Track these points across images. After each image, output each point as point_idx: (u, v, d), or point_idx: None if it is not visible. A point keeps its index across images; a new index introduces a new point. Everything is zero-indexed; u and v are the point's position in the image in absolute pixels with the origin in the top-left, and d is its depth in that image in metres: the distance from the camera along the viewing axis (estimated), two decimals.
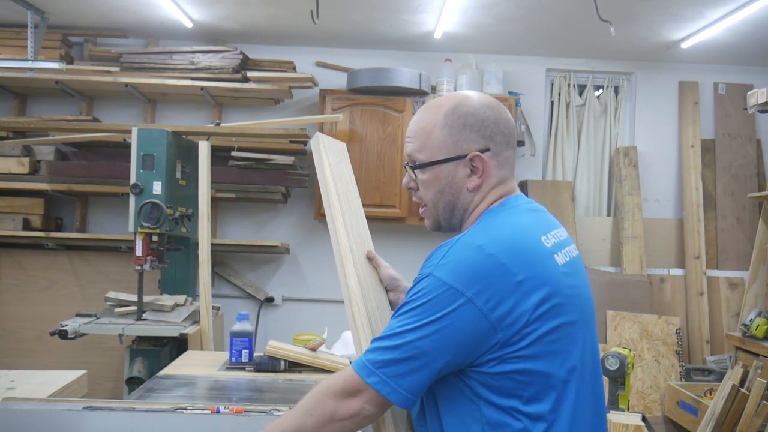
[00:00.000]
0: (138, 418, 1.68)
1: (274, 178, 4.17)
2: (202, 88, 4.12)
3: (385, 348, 1.16)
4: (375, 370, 1.15)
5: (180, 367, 2.43)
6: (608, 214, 4.74)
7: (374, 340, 1.20)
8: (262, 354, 2.37)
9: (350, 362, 1.26)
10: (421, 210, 1.37)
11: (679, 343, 4.26)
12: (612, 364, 2.97)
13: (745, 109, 3.67)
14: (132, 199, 3.28)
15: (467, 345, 1.14)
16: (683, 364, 4.24)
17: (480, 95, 1.34)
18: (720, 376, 3.89)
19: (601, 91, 4.78)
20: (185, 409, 1.73)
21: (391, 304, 1.56)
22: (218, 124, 4.03)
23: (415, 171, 1.32)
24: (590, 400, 1.23)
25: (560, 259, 1.23)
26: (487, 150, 1.28)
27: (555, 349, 1.17)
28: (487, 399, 1.17)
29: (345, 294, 1.40)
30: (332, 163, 1.56)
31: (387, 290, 1.58)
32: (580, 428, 1.19)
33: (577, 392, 1.19)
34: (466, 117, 1.28)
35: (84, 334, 3.09)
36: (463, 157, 1.28)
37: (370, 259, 1.57)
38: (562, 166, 4.67)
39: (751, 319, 3.75)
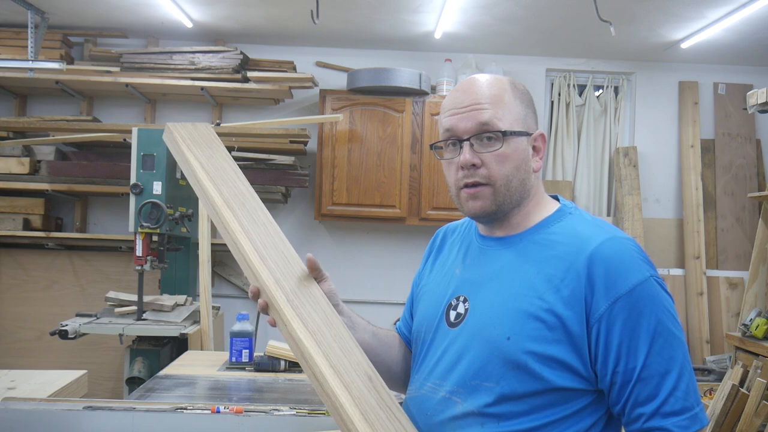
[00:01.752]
0: (138, 418, 1.68)
1: (274, 178, 4.17)
2: (202, 88, 4.12)
3: (680, 382, 1.04)
4: (698, 411, 1.04)
5: (180, 367, 2.43)
6: (608, 214, 4.74)
7: (666, 399, 1.03)
8: (262, 354, 2.37)
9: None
10: (475, 190, 1.14)
11: None
12: None
13: (745, 109, 3.67)
14: (132, 199, 3.28)
15: None
16: None
17: None
18: (720, 376, 3.89)
19: (601, 91, 4.78)
20: (185, 409, 1.73)
21: None
22: (218, 124, 4.02)
23: (501, 139, 1.12)
24: None
25: None
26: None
27: None
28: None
29: (293, 348, 1.09)
30: (202, 159, 1.21)
31: None
32: None
33: None
34: (525, 94, 1.20)
35: (84, 334, 3.09)
36: (530, 135, 1.17)
37: (313, 268, 1.23)
38: (562, 166, 4.67)
39: (751, 319, 3.74)
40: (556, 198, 1.27)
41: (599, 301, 1.05)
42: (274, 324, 1.16)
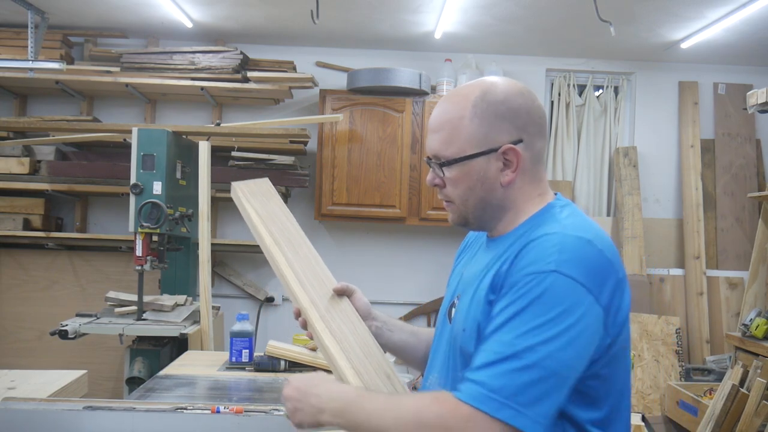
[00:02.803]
0: (138, 418, 1.68)
1: (274, 178, 4.10)
2: (202, 88, 4.12)
3: (517, 370, 0.96)
4: (505, 401, 0.95)
5: (180, 367, 2.43)
6: (608, 214, 4.74)
7: (489, 364, 0.99)
8: (262, 354, 2.37)
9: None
10: (446, 205, 1.25)
11: (679, 343, 4.26)
12: None
13: (745, 109, 3.67)
14: (132, 199, 3.28)
15: (593, 350, 1.03)
16: (683, 364, 4.24)
17: (508, 81, 1.20)
18: (720, 376, 3.90)
19: (601, 91, 4.78)
20: (185, 409, 1.73)
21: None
22: (218, 124, 4.03)
23: (442, 168, 1.18)
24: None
25: None
26: (520, 141, 1.16)
27: (626, 354, 1.12)
28: (571, 416, 1.05)
29: (324, 355, 1.30)
30: (258, 208, 1.46)
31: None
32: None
33: (628, 396, 1.15)
34: (497, 106, 1.15)
35: (84, 334, 3.09)
36: (496, 150, 1.15)
37: (340, 291, 1.39)
38: (562, 166, 4.67)
39: (751, 319, 3.75)
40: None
41: (505, 284, 1.07)
42: (311, 337, 1.35)
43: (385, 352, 1.35)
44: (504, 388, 0.96)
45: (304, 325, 1.36)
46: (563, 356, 0.98)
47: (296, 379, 1.18)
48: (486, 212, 1.21)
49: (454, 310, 1.24)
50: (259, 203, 1.48)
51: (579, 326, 0.99)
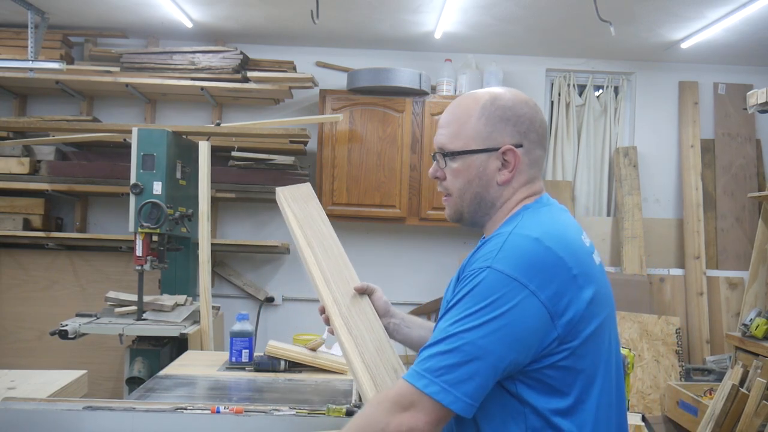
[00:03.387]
0: (138, 418, 1.68)
1: (274, 178, 4.17)
2: (202, 88, 4.12)
3: (443, 353, 1.08)
4: (433, 379, 1.07)
5: (180, 367, 2.43)
6: (608, 214, 4.74)
7: (425, 348, 1.11)
8: (262, 354, 2.37)
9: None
10: (444, 199, 1.35)
11: (679, 343, 4.26)
12: None
13: (745, 109, 3.67)
14: (132, 199, 3.28)
15: (530, 341, 1.09)
16: (683, 363, 4.24)
17: (517, 92, 1.31)
18: (720, 376, 3.90)
19: (601, 91, 4.78)
20: (185, 409, 1.73)
21: (387, 330, 1.50)
22: (218, 124, 4.03)
23: (446, 159, 1.29)
24: (615, 396, 1.22)
25: (596, 259, 1.25)
26: (520, 146, 1.26)
27: (596, 346, 1.16)
28: (533, 405, 1.13)
29: (341, 348, 1.41)
30: (297, 211, 1.59)
31: (380, 316, 1.51)
32: (606, 426, 1.18)
33: (601, 389, 1.17)
34: (504, 110, 1.26)
35: (84, 334, 3.09)
36: (496, 149, 1.25)
37: (361, 290, 1.50)
38: (562, 166, 4.67)
39: (751, 319, 3.75)
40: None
41: (460, 278, 1.19)
42: (332, 332, 1.46)
43: (404, 347, 1.54)
44: (432, 368, 1.08)
45: (327, 321, 1.47)
46: (485, 343, 1.07)
47: None
48: (480, 208, 1.29)
49: None
50: (298, 206, 1.61)
51: (507, 317, 1.08)
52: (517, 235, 1.15)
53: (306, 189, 1.70)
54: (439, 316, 1.18)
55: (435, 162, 1.32)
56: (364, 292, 1.50)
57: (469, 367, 1.06)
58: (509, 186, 1.27)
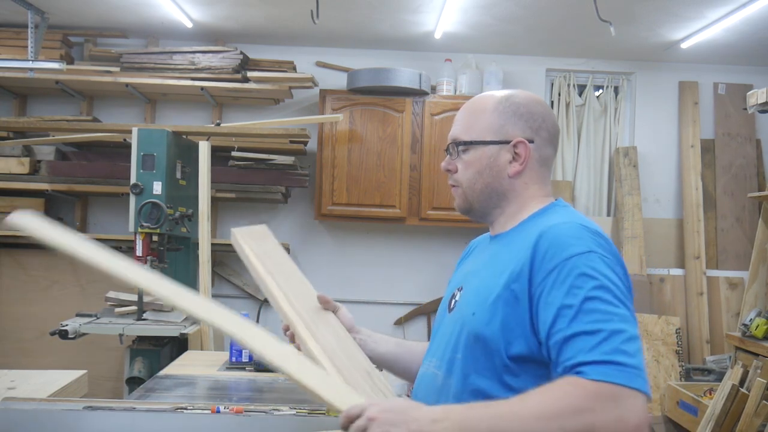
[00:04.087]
0: (138, 418, 1.68)
1: (274, 178, 4.17)
2: (202, 88, 4.12)
3: (625, 341, 1.02)
4: (634, 371, 1.00)
5: (180, 367, 2.43)
6: (608, 214, 4.74)
7: (600, 343, 1.02)
8: None
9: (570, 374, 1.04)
10: (453, 190, 1.36)
11: (679, 343, 4.26)
12: None
13: (745, 109, 3.67)
14: (132, 199, 3.28)
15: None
16: (683, 364, 4.24)
17: (532, 94, 1.36)
18: (720, 376, 3.89)
19: (601, 91, 4.78)
20: (185, 409, 1.73)
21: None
22: (218, 124, 4.03)
23: (459, 149, 1.32)
24: None
25: None
26: (532, 141, 1.29)
27: None
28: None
29: (311, 357, 1.29)
30: (254, 247, 1.56)
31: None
32: None
33: None
34: (518, 106, 1.31)
35: (84, 334, 3.10)
36: (508, 142, 1.29)
37: (323, 300, 1.46)
38: (562, 166, 4.67)
39: (751, 319, 3.74)
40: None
41: (538, 271, 1.13)
42: (300, 348, 1.36)
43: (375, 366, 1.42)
44: (626, 362, 1.00)
45: (293, 338, 1.40)
46: (635, 324, 1.07)
47: (380, 403, 1.04)
48: (491, 199, 1.31)
49: (454, 300, 1.32)
50: (255, 243, 1.59)
51: (626, 292, 1.10)
52: (579, 227, 1.16)
53: (262, 229, 1.69)
54: (493, 309, 1.15)
55: (448, 155, 1.35)
56: (326, 303, 1.47)
57: (638, 345, 1.05)
58: (520, 179, 1.29)
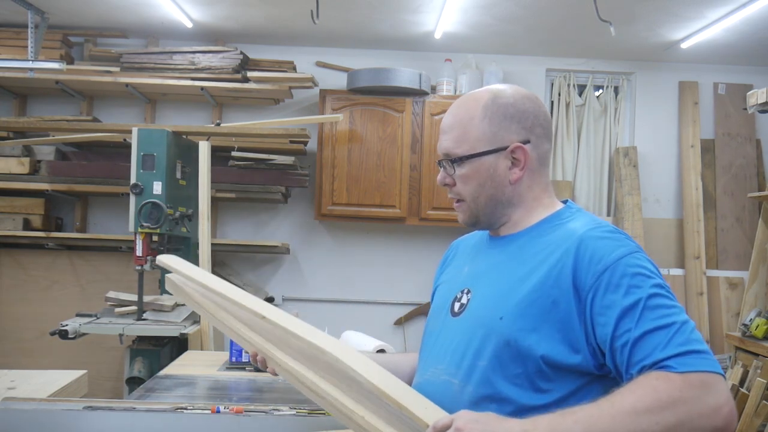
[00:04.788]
0: (138, 418, 1.68)
1: (274, 178, 4.17)
2: (202, 88, 4.12)
3: (692, 330, 1.05)
4: (711, 358, 1.03)
5: (180, 367, 2.43)
6: (608, 214, 4.74)
7: (673, 336, 1.04)
8: None
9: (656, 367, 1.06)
10: (456, 205, 1.31)
11: None
12: None
13: (745, 109, 3.67)
14: (132, 199, 3.28)
15: None
16: None
17: (516, 87, 1.30)
18: None
19: (601, 91, 4.78)
20: (185, 409, 1.73)
21: None
22: (218, 124, 4.03)
23: (454, 165, 1.26)
24: None
25: None
26: (528, 142, 1.25)
27: None
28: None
29: (287, 378, 1.30)
30: (194, 276, 1.47)
31: None
32: None
33: None
34: (507, 108, 1.25)
35: (84, 334, 3.10)
36: (504, 148, 1.24)
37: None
38: (562, 166, 4.67)
39: (751, 319, 3.75)
40: (565, 203, 1.35)
41: (586, 276, 1.12)
42: (274, 373, 1.35)
43: None
44: (702, 349, 1.03)
45: (264, 363, 1.37)
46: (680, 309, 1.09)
47: (466, 414, 1.03)
48: (497, 210, 1.27)
49: (459, 303, 1.27)
50: (193, 284, 1.49)
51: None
52: (607, 226, 1.19)
53: (176, 259, 1.60)
54: (526, 314, 1.14)
55: (442, 169, 1.29)
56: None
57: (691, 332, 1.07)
58: (522, 183, 1.27)
